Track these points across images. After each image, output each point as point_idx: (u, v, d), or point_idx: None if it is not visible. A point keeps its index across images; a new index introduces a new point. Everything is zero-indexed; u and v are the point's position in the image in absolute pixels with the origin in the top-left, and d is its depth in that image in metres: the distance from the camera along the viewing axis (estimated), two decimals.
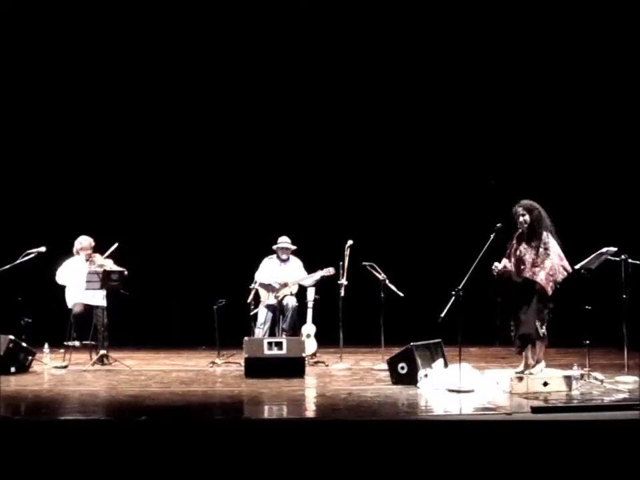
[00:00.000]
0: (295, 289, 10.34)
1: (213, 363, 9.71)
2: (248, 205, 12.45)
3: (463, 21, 12.03)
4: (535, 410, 6.57)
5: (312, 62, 12.24)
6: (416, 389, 7.98)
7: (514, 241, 7.99)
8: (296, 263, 10.54)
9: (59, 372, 9.24)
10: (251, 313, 10.18)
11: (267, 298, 10.32)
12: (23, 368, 9.04)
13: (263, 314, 10.27)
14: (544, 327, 7.76)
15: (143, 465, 5.65)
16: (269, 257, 10.53)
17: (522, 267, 7.82)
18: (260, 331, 10.18)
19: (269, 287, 10.33)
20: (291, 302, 10.24)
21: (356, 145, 12.43)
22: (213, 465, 5.67)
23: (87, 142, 12.48)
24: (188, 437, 5.85)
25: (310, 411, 7.31)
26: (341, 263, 9.91)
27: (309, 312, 10.35)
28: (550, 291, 7.72)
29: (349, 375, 9.21)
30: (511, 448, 5.75)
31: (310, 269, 10.41)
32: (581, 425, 6.09)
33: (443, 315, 7.58)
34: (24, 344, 9.13)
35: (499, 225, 8.03)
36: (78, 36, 12.03)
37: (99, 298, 9.74)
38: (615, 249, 8.46)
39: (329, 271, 10.09)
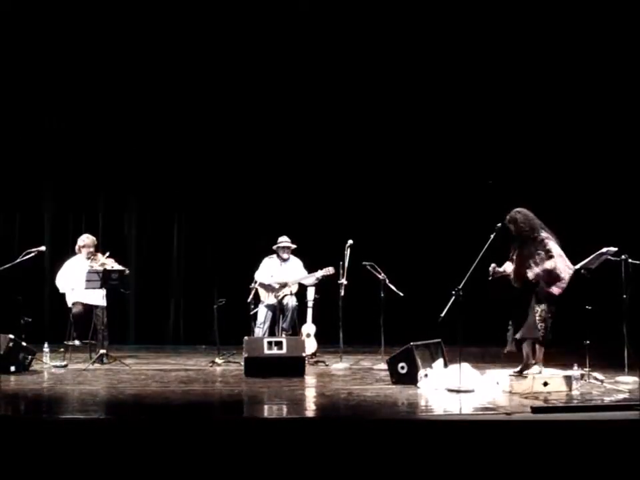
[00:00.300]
0: (294, 289, 10.34)
1: (213, 362, 9.71)
2: (248, 205, 12.44)
3: (463, 21, 12.02)
4: (534, 410, 6.57)
5: (312, 62, 12.24)
6: (416, 388, 7.98)
7: (514, 247, 8.04)
8: (296, 263, 10.54)
9: (58, 371, 9.23)
10: (251, 313, 10.18)
11: (267, 297, 10.32)
12: (23, 367, 9.03)
13: (262, 313, 10.27)
14: (547, 331, 7.77)
15: (142, 465, 5.65)
16: (269, 256, 10.53)
17: (520, 271, 7.86)
18: (260, 330, 10.19)
19: (268, 287, 10.34)
20: (291, 301, 10.24)
21: (356, 145, 12.42)
22: (212, 465, 5.67)
23: (87, 141, 12.47)
24: (188, 437, 5.85)
25: (310, 411, 7.31)
26: (341, 263, 9.91)
27: (309, 311, 10.36)
28: (555, 292, 7.75)
29: (349, 374, 9.20)
30: (510, 448, 5.75)
31: (310, 268, 10.41)
32: (581, 425, 6.09)
33: (443, 314, 7.59)
34: (24, 343, 9.12)
35: (498, 224, 8.03)
36: (80, 33, 12.03)
37: (98, 298, 9.73)
38: (615, 249, 8.47)
39: (329, 270, 10.09)
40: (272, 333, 10.16)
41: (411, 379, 8.17)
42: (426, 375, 8.08)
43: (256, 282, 10.33)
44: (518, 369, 7.93)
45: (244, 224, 12.33)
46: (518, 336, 7.85)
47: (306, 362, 9.27)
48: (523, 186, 11.68)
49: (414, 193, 12.41)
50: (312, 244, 10.95)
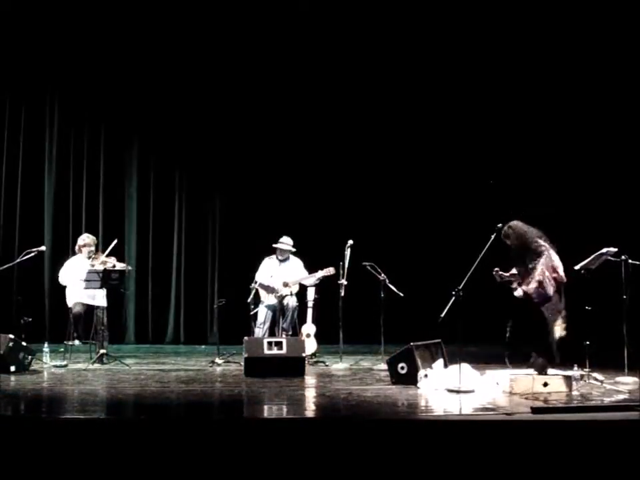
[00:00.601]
0: (295, 289, 10.34)
1: (213, 362, 9.71)
2: (249, 205, 12.45)
3: (463, 22, 12.03)
4: (534, 410, 6.56)
5: (312, 62, 12.25)
6: (416, 389, 7.98)
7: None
8: (296, 263, 10.54)
9: (58, 371, 9.23)
10: (251, 313, 10.18)
11: (267, 298, 10.32)
12: (23, 367, 9.03)
13: (262, 313, 10.27)
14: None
15: (142, 464, 5.65)
16: (269, 256, 10.53)
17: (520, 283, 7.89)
18: (260, 330, 10.18)
19: (268, 289, 10.34)
20: (291, 302, 10.25)
21: (356, 146, 12.43)
22: (212, 465, 5.67)
23: (87, 141, 12.48)
24: (188, 437, 5.85)
25: (310, 411, 7.31)
26: (341, 263, 9.91)
27: (309, 312, 10.36)
28: (539, 299, 7.78)
29: (349, 374, 9.20)
30: (510, 448, 5.75)
31: (310, 268, 10.41)
32: (581, 426, 6.09)
33: (443, 315, 7.58)
34: (24, 343, 9.12)
35: (499, 225, 8.03)
36: (86, 32, 12.06)
37: (99, 298, 9.73)
38: (615, 249, 8.46)
39: (329, 270, 10.09)
40: (272, 333, 10.16)
41: (410, 379, 8.16)
42: (426, 375, 8.08)
43: (256, 282, 10.33)
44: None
45: (244, 224, 12.33)
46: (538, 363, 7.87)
47: (306, 362, 9.27)
48: (523, 186, 11.70)
49: (414, 193, 12.41)
50: (312, 244, 10.95)
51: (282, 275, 10.37)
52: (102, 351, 9.63)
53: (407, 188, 12.45)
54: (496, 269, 8.03)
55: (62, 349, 9.86)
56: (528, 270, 7.89)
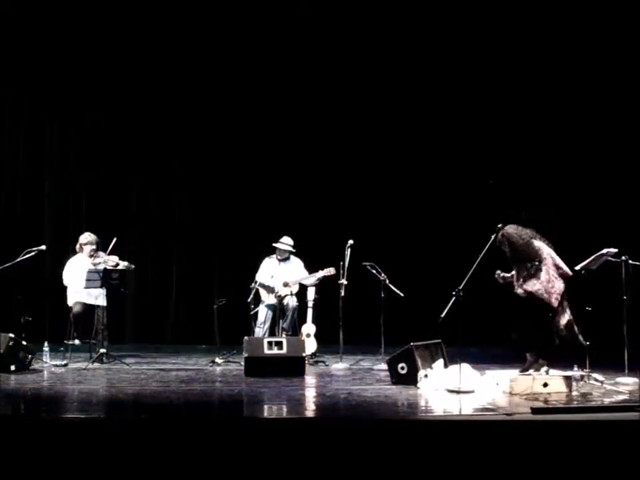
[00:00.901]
0: (295, 289, 10.34)
1: (213, 362, 9.71)
2: (248, 205, 12.44)
3: (463, 22, 12.02)
4: (534, 411, 6.56)
5: (312, 63, 12.24)
6: (416, 389, 7.98)
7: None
8: (296, 263, 10.54)
9: (58, 370, 9.23)
10: (251, 313, 10.18)
11: (267, 297, 10.32)
12: (23, 366, 9.03)
13: (263, 313, 10.28)
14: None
15: (142, 464, 5.65)
16: (269, 256, 10.54)
17: (519, 282, 7.87)
18: (260, 330, 10.19)
19: (269, 289, 10.34)
20: (291, 301, 10.25)
21: (356, 146, 12.42)
22: (212, 464, 5.67)
23: (86, 140, 12.49)
24: (187, 436, 5.85)
25: (310, 411, 7.30)
26: (341, 263, 9.90)
27: (309, 311, 10.36)
28: (555, 303, 7.77)
29: (349, 374, 9.20)
30: (511, 448, 5.75)
31: (310, 268, 10.41)
32: (581, 426, 6.09)
33: (443, 315, 7.58)
34: (24, 342, 9.12)
35: (499, 225, 8.03)
36: (81, 32, 12.05)
37: (99, 297, 9.73)
38: (616, 250, 8.46)
39: (330, 271, 10.09)
40: (272, 333, 10.16)
41: (411, 379, 8.16)
42: (426, 376, 8.08)
43: (256, 282, 10.33)
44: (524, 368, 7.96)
45: (244, 224, 12.32)
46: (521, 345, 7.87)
47: (306, 362, 9.28)
48: (523, 186, 11.69)
49: (414, 193, 12.40)
50: (312, 244, 10.95)
51: (282, 274, 10.37)
52: (102, 351, 9.63)
53: (407, 188, 12.44)
54: (498, 271, 8.03)
55: (62, 349, 9.86)
56: (529, 272, 7.88)
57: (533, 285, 7.83)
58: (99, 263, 9.86)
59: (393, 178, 12.47)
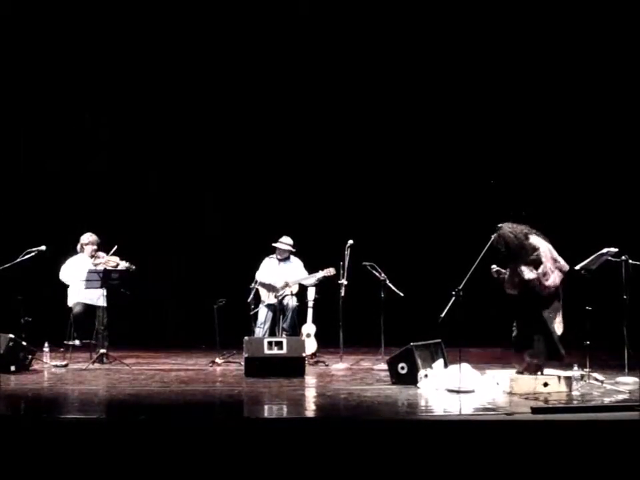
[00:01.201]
0: (295, 289, 10.34)
1: (213, 362, 9.71)
2: (248, 205, 12.45)
3: (464, 22, 12.02)
4: (534, 410, 6.56)
5: (312, 63, 12.24)
6: (416, 389, 7.98)
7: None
8: (296, 263, 10.54)
9: (58, 371, 9.24)
10: (251, 313, 10.18)
11: (267, 297, 10.32)
12: (23, 367, 9.03)
13: (263, 313, 10.28)
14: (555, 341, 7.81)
15: (142, 465, 5.65)
16: (269, 256, 10.54)
17: (517, 280, 7.86)
18: (260, 330, 10.19)
19: (269, 287, 10.33)
20: (291, 302, 10.25)
21: (356, 146, 12.42)
22: (213, 465, 5.67)
23: (85, 140, 12.49)
24: (188, 437, 5.85)
25: (310, 411, 7.31)
26: (341, 263, 9.90)
27: (309, 312, 10.35)
28: (545, 293, 7.74)
29: (349, 374, 9.20)
30: (511, 448, 5.75)
31: (310, 269, 10.40)
32: (581, 426, 6.09)
33: (443, 315, 7.58)
34: (24, 343, 9.12)
35: (499, 225, 8.02)
36: (81, 33, 12.06)
37: (99, 298, 9.74)
38: (616, 249, 8.46)
39: (330, 271, 10.08)
40: (272, 333, 10.16)
41: (411, 379, 8.16)
42: (426, 375, 8.08)
43: (256, 282, 10.33)
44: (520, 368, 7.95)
45: (244, 224, 12.32)
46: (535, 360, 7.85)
47: (306, 362, 9.27)
48: (524, 186, 11.69)
49: (414, 193, 12.40)
50: (312, 244, 10.94)
51: (282, 274, 10.37)
52: (102, 351, 9.63)
53: (407, 188, 12.44)
54: (493, 265, 8.01)
55: (62, 349, 9.86)
56: (528, 265, 7.85)
57: (528, 273, 7.77)
58: (100, 263, 9.86)
59: (393, 178, 12.47)
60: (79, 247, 10.19)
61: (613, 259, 8.51)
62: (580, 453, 5.70)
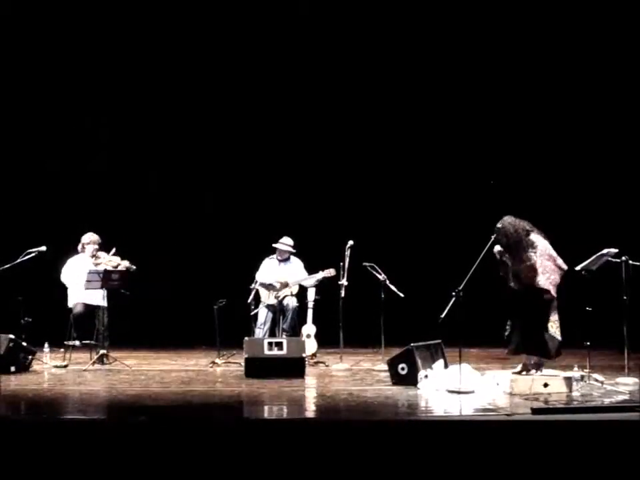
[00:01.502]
0: (295, 289, 10.34)
1: (213, 362, 9.71)
2: (249, 205, 12.45)
3: (463, 22, 12.03)
4: (535, 411, 6.56)
5: (312, 64, 12.25)
6: (416, 389, 7.98)
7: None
8: (296, 264, 10.53)
9: (59, 371, 9.24)
10: (251, 313, 10.18)
11: (267, 298, 10.32)
12: (23, 367, 9.04)
13: (263, 314, 10.27)
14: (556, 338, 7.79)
15: (142, 465, 5.65)
16: (269, 257, 10.53)
17: (521, 276, 7.85)
18: (260, 331, 10.18)
19: (269, 287, 10.33)
20: (291, 302, 10.24)
21: (356, 146, 12.43)
22: (212, 465, 5.67)
23: (85, 141, 12.50)
24: (188, 437, 5.85)
25: (310, 411, 7.31)
26: (341, 264, 9.90)
27: (309, 312, 10.35)
28: (554, 292, 7.74)
29: (349, 375, 9.20)
30: (511, 449, 5.75)
31: (311, 269, 10.40)
32: (581, 426, 6.09)
33: (443, 315, 7.58)
34: (24, 343, 9.13)
35: (499, 225, 8.02)
36: (81, 33, 12.07)
37: (99, 298, 9.74)
38: (616, 250, 8.46)
39: (330, 272, 10.08)
40: (272, 333, 10.15)
41: (411, 379, 8.16)
42: (426, 376, 8.08)
43: (256, 282, 10.33)
44: (518, 369, 7.94)
45: (244, 224, 12.33)
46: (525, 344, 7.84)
47: (306, 363, 9.27)
48: (523, 186, 11.70)
49: (415, 193, 12.41)
50: (312, 244, 10.94)
51: (282, 275, 10.37)
52: (102, 352, 9.63)
53: (407, 188, 12.45)
54: (496, 246, 7.97)
55: (62, 350, 9.86)
56: (525, 263, 7.85)
57: (532, 278, 7.78)
58: (100, 263, 9.86)
59: (393, 178, 12.48)
60: (80, 246, 10.19)
61: (613, 259, 8.51)
62: (580, 453, 5.70)
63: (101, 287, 9.57)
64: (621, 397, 7.52)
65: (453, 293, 7.61)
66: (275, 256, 10.50)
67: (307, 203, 12.25)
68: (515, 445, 5.79)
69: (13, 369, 8.85)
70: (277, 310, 10.25)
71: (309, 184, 12.36)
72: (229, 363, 9.80)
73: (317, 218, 12.11)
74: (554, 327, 7.79)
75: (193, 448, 5.73)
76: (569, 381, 7.74)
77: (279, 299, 10.25)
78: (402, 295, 9.78)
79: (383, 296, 9.74)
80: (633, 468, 5.60)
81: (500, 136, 12.20)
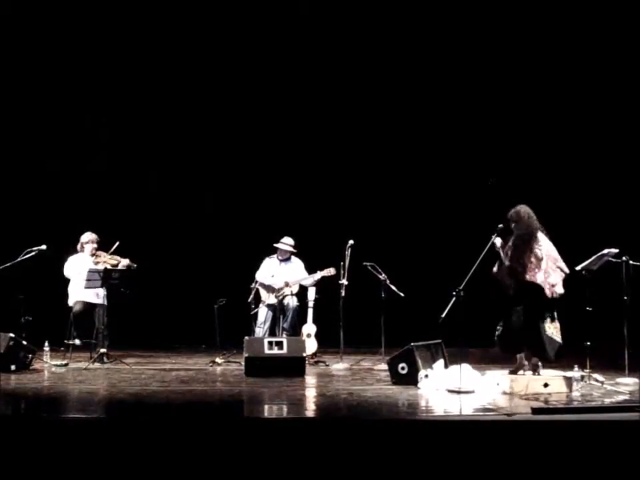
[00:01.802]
0: (295, 289, 10.34)
1: (213, 362, 9.71)
2: (249, 205, 12.45)
3: (463, 22, 12.03)
4: (535, 411, 6.56)
5: (312, 64, 12.25)
6: (416, 389, 7.98)
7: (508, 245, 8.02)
8: (297, 263, 10.54)
9: (59, 370, 9.24)
10: (252, 313, 10.18)
11: (268, 297, 10.32)
12: (24, 366, 9.04)
13: (263, 313, 10.28)
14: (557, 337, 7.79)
15: (142, 464, 5.65)
16: (270, 256, 10.54)
17: (519, 270, 7.83)
18: (260, 330, 10.19)
19: (269, 288, 10.34)
20: (292, 302, 10.25)
21: (357, 146, 12.43)
22: (212, 464, 5.67)
23: (85, 141, 12.50)
24: (188, 436, 5.85)
25: (310, 411, 7.31)
26: (341, 263, 9.90)
27: (310, 312, 10.36)
28: (548, 294, 7.73)
29: (349, 374, 9.20)
30: (511, 449, 5.75)
31: (311, 269, 10.41)
32: (581, 426, 6.09)
33: (443, 315, 7.58)
34: (24, 342, 9.13)
35: (500, 225, 8.02)
36: (81, 33, 12.06)
37: (100, 296, 9.75)
38: (616, 250, 8.46)
39: (330, 271, 10.09)
40: (272, 333, 10.16)
41: (411, 379, 8.17)
42: (426, 376, 8.08)
43: (257, 282, 10.33)
44: (513, 368, 7.95)
45: (245, 224, 12.33)
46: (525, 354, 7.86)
47: (306, 362, 9.27)
48: (523, 186, 11.68)
49: (415, 193, 12.41)
50: (313, 244, 10.94)
51: (282, 275, 10.37)
52: (102, 350, 9.63)
53: (408, 188, 12.45)
54: (497, 239, 7.94)
55: (62, 348, 9.86)
56: (529, 257, 7.84)
57: (533, 275, 7.77)
58: (100, 262, 9.86)
59: (393, 178, 12.47)
60: (79, 246, 10.19)
61: (613, 259, 8.52)
62: (580, 453, 5.70)
63: (101, 286, 9.58)
64: (621, 397, 7.52)
65: (454, 293, 7.61)
66: (275, 255, 10.51)
67: (307, 203, 12.25)
68: (515, 445, 5.79)
69: (13, 367, 8.85)
70: (277, 309, 10.26)
71: (309, 184, 12.36)
72: (229, 362, 9.80)
73: (317, 218, 12.11)
74: (551, 328, 7.78)
75: (192, 447, 5.72)
76: (569, 380, 7.75)
77: (279, 298, 10.26)
78: (402, 294, 9.78)
79: (383, 296, 9.74)
80: (633, 468, 5.60)
81: (500, 136, 12.19)
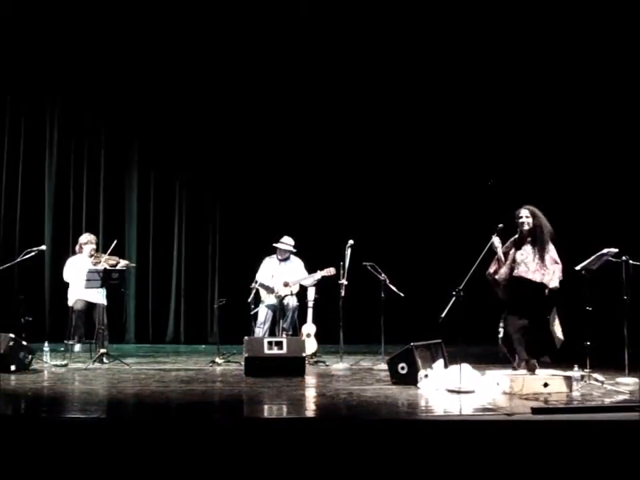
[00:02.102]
0: (295, 289, 10.35)
1: (213, 362, 9.70)
2: (249, 205, 12.47)
3: (463, 22, 12.04)
4: (535, 411, 6.55)
5: (312, 64, 12.27)
6: (416, 389, 7.97)
7: (511, 246, 8.02)
8: (297, 263, 10.54)
9: (59, 370, 9.23)
10: (252, 313, 10.18)
11: (268, 297, 10.32)
12: (23, 366, 9.03)
13: (263, 313, 10.28)
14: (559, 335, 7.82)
15: (142, 464, 5.65)
16: (270, 256, 10.54)
17: (526, 269, 7.83)
18: (260, 330, 10.19)
19: (269, 289, 10.34)
20: (292, 301, 10.25)
21: (357, 146, 12.45)
22: (212, 465, 5.67)
23: (86, 139, 12.51)
24: (188, 436, 5.84)
25: (310, 411, 7.30)
26: (341, 263, 9.90)
27: (309, 311, 10.36)
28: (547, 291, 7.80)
29: (349, 374, 9.20)
30: (511, 448, 5.75)
31: (311, 268, 10.41)
32: (581, 426, 6.08)
33: (443, 315, 7.58)
34: (24, 342, 9.12)
35: (500, 225, 8.03)
36: (81, 33, 12.07)
37: (100, 296, 9.75)
38: (616, 250, 8.46)
39: (330, 271, 10.09)
40: (272, 332, 10.16)
41: (411, 379, 8.16)
42: (426, 376, 8.07)
43: (257, 282, 10.33)
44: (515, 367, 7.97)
45: (245, 224, 12.34)
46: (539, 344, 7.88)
47: (306, 362, 9.27)
48: (523, 186, 11.69)
49: (415, 193, 12.43)
50: (312, 244, 10.95)
51: (282, 274, 10.37)
52: (102, 351, 9.63)
53: (407, 188, 12.47)
54: (496, 239, 7.96)
55: (62, 348, 9.86)
56: (544, 259, 7.86)
57: (533, 272, 7.81)
58: (99, 262, 9.87)
59: (393, 178, 12.50)
60: (77, 247, 10.20)
61: (613, 259, 8.51)
62: (580, 453, 5.70)
63: (101, 286, 9.58)
64: (621, 397, 7.52)
65: (453, 293, 7.61)
66: (275, 255, 10.51)
67: (307, 203, 12.27)
68: (515, 445, 5.79)
69: (13, 367, 8.84)
70: (277, 309, 10.26)
71: (309, 184, 12.38)
72: (229, 362, 9.80)
73: (317, 218, 12.12)
74: (554, 325, 7.83)
75: (192, 447, 5.72)
76: (569, 380, 7.74)
77: (279, 298, 10.26)
78: (402, 294, 9.78)
79: (383, 295, 9.74)
80: (633, 468, 5.60)
81: (499, 136, 12.21)
